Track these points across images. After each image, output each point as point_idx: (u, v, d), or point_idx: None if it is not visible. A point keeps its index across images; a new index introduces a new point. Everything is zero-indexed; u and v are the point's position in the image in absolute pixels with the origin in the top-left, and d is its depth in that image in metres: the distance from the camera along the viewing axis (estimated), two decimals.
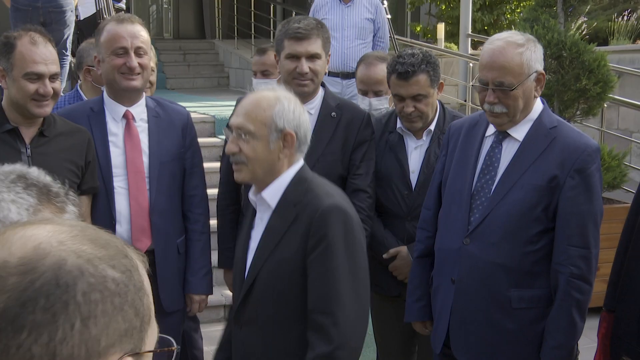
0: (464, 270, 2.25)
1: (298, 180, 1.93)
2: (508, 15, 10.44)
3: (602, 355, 2.09)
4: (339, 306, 1.80)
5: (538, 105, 2.30)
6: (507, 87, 2.16)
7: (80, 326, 0.66)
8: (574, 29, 6.01)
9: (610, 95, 5.62)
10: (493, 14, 10.39)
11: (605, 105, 5.86)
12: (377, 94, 3.06)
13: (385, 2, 8.38)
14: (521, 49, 2.19)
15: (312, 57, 2.50)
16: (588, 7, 6.84)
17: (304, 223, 1.85)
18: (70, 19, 5.39)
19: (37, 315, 0.65)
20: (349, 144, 2.61)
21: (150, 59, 2.60)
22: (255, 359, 1.97)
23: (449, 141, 2.42)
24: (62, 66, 4.14)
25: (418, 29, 11.39)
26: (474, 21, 8.13)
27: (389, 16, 8.60)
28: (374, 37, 5.71)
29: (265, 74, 3.64)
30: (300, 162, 1.97)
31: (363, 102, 3.09)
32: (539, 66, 2.23)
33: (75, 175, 2.36)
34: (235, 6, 11.65)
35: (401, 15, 12.75)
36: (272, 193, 1.92)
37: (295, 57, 2.49)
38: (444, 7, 10.51)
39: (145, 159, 2.54)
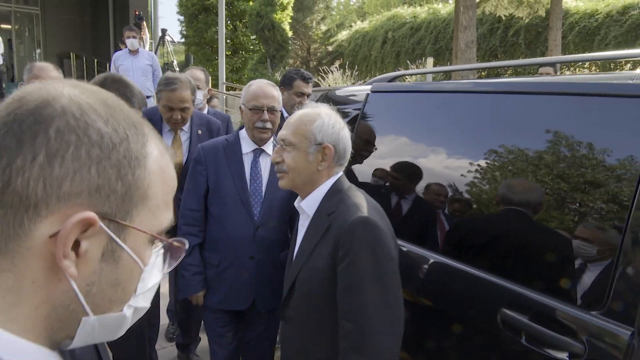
0: (260, 249, 2.31)
1: (333, 191, 1.66)
2: (246, 74, 15.03)
3: None
4: (364, 317, 1.46)
5: None
6: (276, 109, 2.34)
7: (43, 161, 0.50)
8: (276, 76, 9.71)
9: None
10: (238, 74, 14.74)
11: None
12: (198, 87, 3.39)
13: (177, 69, 11.11)
14: (274, 85, 2.44)
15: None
16: (286, 66, 9.92)
17: (334, 234, 1.54)
18: None
19: (5, 139, 0.50)
20: None
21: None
22: (293, 353, 1.75)
23: (206, 158, 2.35)
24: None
25: None
26: (226, 78, 11.52)
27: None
28: (152, 74, 7.10)
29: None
30: (338, 174, 1.71)
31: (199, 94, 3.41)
32: None
33: None
34: None
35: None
36: (310, 203, 1.68)
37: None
38: (211, 70, 15.95)
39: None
